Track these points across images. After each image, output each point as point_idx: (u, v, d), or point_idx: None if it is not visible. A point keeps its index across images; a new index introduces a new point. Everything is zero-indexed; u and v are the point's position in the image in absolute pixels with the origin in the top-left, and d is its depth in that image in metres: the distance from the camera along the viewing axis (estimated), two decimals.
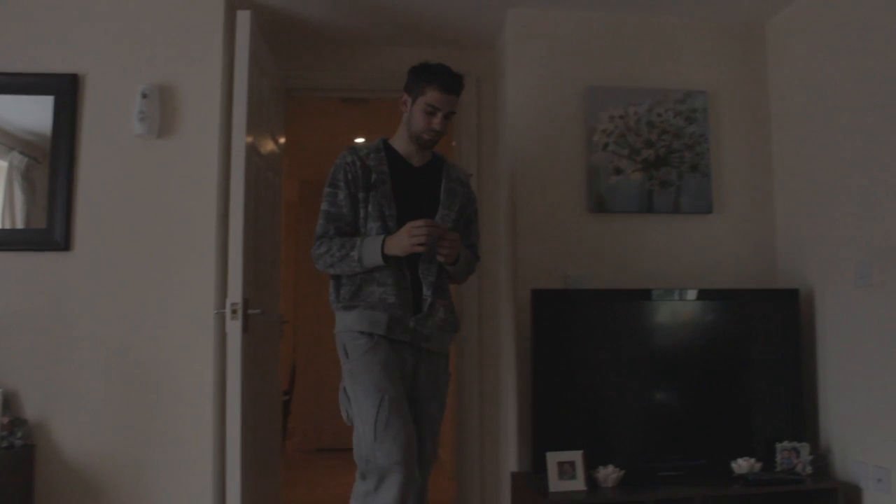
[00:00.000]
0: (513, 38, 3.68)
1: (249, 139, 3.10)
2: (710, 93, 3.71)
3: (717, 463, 3.26)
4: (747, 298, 3.47)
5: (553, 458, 3.07)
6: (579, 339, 3.31)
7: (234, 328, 2.93)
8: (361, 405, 2.50)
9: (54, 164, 3.23)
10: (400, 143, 2.80)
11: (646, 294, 3.38)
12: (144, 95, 3.24)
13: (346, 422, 2.61)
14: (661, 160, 3.58)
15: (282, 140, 3.98)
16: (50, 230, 3.20)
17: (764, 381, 3.42)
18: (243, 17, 3.11)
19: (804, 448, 3.26)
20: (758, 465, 3.22)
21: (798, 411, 3.38)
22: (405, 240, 2.55)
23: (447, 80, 2.69)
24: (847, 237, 3.27)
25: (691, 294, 3.43)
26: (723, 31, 3.82)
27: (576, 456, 3.07)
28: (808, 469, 3.23)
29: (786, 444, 3.28)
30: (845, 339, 3.29)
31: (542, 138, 3.60)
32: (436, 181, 2.79)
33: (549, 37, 3.67)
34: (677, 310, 3.43)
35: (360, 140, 6.05)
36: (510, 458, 3.54)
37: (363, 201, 2.67)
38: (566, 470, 3.05)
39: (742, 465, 3.21)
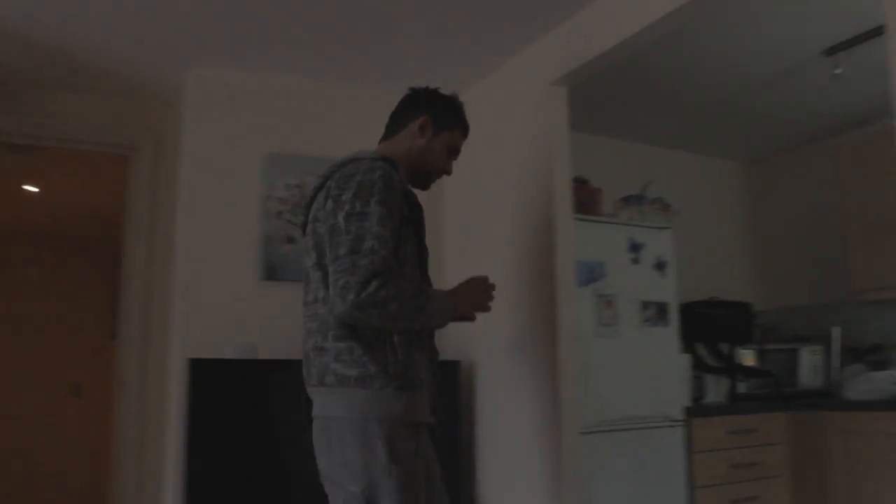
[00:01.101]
0: (193, 98, 3.55)
1: None
2: None
3: None
4: None
5: None
6: (243, 410, 3.16)
7: None
8: None
9: None
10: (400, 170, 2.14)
11: None
12: None
13: None
14: None
15: None
16: None
17: None
18: None
19: None
20: None
21: (456, 479, 3.50)
22: (484, 298, 2.11)
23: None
24: (500, 313, 3.48)
25: None
26: None
27: None
28: None
29: None
30: (498, 409, 3.48)
31: (218, 203, 3.47)
32: None
33: (230, 100, 3.58)
34: None
35: (33, 189, 5.53)
36: None
37: (404, 238, 1.97)
38: None
39: None
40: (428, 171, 2.23)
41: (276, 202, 3.50)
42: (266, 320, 3.45)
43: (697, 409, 3.85)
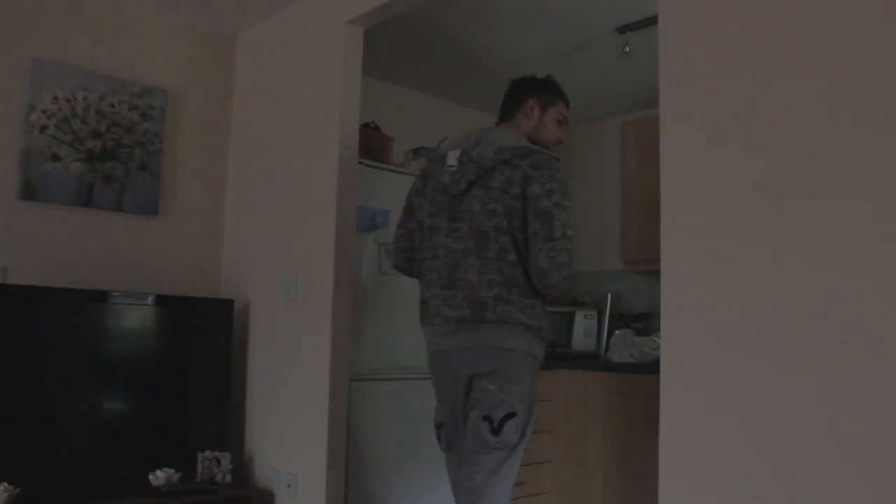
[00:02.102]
0: None
1: None
2: (171, 92, 3.61)
3: (139, 475, 3.12)
4: (184, 306, 3.41)
5: None
6: None
7: None
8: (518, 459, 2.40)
9: None
10: None
11: (74, 294, 3.12)
12: None
13: (502, 437, 2.28)
14: (108, 154, 3.37)
15: None
16: None
17: (197, 391, 3.39)
18: None
19: (225, 457, 3.29)
20: (177, 476, 3.15)
21: (224, 421, 3.41)
22: None
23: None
24: (278, 254, 3.42)
25: (125, 297, 3.25)
26: (194, 33, 3.76)
27: None
28: (228, 478, 3.27)
29: (208, 453, 3.28)
30: (270, 352, 3.42)
31: None
32: None
33: None
34: (110, 313, 3.23)
35: None
36: None
37: None
38: None
39: (160, 476, 3.11)
40: (546, 144, 2.57)
41: (42, 115, 3.20)
42: (20, 243, 3.17)
43: None
